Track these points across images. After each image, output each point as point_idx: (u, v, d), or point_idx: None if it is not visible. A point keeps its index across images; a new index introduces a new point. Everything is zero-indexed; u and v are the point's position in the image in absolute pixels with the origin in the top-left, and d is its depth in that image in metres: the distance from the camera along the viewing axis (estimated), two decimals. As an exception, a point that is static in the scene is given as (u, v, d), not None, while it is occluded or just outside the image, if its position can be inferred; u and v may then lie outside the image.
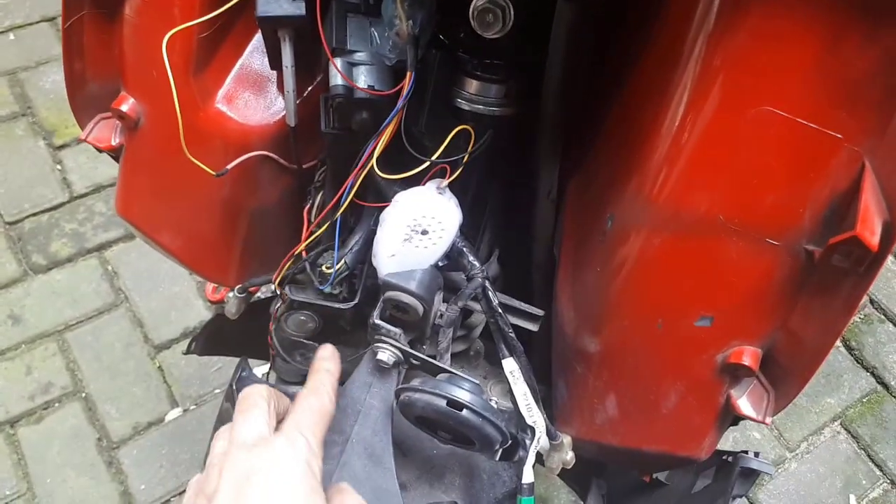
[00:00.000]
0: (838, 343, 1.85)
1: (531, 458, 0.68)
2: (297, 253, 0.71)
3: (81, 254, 1.85)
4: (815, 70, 0.49)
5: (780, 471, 1.69)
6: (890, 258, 1.97)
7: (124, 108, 0.70)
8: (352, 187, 0.65)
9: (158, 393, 1.68)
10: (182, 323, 1.76)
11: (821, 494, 1.67)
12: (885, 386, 1.80)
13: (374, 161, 0.62)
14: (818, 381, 1.80)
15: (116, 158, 0.77)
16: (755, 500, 1.65)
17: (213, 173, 0.63)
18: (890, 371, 1.81)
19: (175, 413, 1.66)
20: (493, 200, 0.79)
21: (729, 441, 1.71)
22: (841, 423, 1.75)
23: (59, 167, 1.97)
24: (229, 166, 0.65)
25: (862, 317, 1.89)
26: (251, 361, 0.78)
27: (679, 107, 0.55)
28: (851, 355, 1.84)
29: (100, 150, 0.75)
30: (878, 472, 1.70)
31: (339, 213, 0.66)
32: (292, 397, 0.82)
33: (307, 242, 0.69)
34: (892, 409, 1.77)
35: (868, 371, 1.82)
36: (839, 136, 0.50)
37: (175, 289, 1.80)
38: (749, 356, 0.61)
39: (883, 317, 1.89)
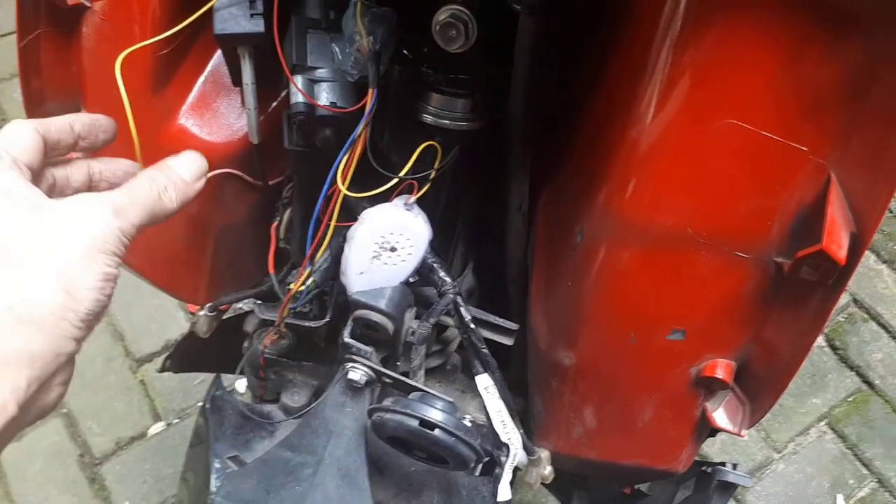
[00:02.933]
0: (823, 343, 1.85)
1: (507, 476, 0.67)
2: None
3: (60, 268, 1.82)
4: (778, 83, 0.48)
5: (767, 472, 1.69)
6: (872, 257, 1.98)
7: (85, 127, 0.68)
8: (329, 216, 0.63)
9: (141, 407, 1.66)
10: (164, 336, 1.74)
11: (808, 495, 1.66)
12: (870, 385, 1.80)
13: (345, 185, 0.61)
14: (804, 382, 1.80)
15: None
16: (743, 501, 1.64)
17: (174, 194, 0.61)
18: (874, 370, 1.81)
19: (158, 427, 1.64)
20: (465, 214, 0.78)
21: (717, 443, 1.70)
22: (827, 423, 1.75)
23: (36, 180, 1.94)
24: (191, 186, 0.64)
25: (846, 316, 1.89)
26: (231, 376, 0.76)
27: (645, 120, 0.54)
28: (836, 355, 1.84)
29: (62, 171, 0.73)
30: (866, 471, 1.70)
31: (323, 248, 0.65)
32: (267, 416, 0.81)
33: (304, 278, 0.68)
34: (878, 408, 1.77)
35: (853, 370, 1.81)
36: (804, 148, 0.50)
37: (156, 301, 1.78)
38: (722, 369, 0.61)
39: (867, 315, 1.89)
